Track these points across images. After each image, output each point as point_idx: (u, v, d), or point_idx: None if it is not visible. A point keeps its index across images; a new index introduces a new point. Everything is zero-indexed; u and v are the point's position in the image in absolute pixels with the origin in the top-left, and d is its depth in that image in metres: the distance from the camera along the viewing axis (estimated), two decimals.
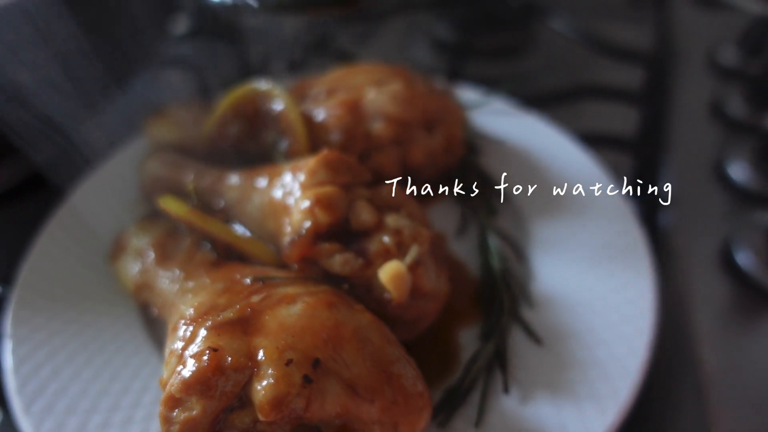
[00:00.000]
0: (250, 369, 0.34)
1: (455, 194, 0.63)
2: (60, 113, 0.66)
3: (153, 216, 0.54)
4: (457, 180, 0.63)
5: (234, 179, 0.52)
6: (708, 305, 0.68)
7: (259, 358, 0.34)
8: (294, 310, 0.37)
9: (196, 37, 1.07)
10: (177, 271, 0.47)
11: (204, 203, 0.52)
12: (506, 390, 0.44)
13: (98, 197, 0.60)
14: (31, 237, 0.56)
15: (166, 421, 0.34)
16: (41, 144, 0.70)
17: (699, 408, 0.58)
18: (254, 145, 0.58)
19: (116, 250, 0.52)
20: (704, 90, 1.05)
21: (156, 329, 0.50)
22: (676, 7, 1.28)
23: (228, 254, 0.48)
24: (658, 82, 0.98)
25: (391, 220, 0.45)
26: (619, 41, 1.07)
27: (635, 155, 0.78)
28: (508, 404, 0.43)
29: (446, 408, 0.43)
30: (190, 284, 0.44)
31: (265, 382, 0.33)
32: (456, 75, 0.89)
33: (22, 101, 0.63)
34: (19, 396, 0.43)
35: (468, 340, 0.50)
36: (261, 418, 0.33)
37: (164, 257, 0.48)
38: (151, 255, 0.49)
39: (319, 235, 0.44)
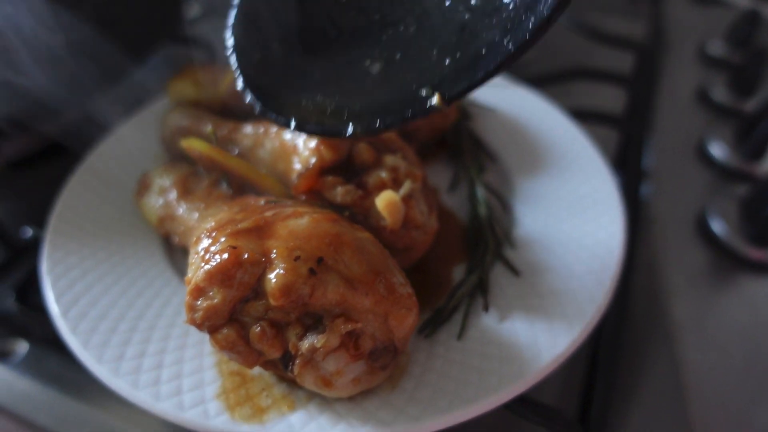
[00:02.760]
0: (263, 263, 0.39)
1: (448, 154, 0.69)
2: (84, 82, 0.72)
3: (174, 161, 0.60)
4: (450, 141, 0.69)
5: (248, 128, 0.58)
6: (682, 267, 0.74)
7: (272, 255, 0.40)
8: (302, 221, 0.42)
9: (209, 19, 1.14)
10: (198, 203, 0.53)
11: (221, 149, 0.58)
12: (486, 309, 0.50)
13: (123, 148, 0.67)
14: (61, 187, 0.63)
15: (191, 308, 0.40)
16: (65, 110, 0.76)
17: (669, 352, 0.64)
18: None
19: (141, 188, 0.58)
20: (692, 77, 1.11)
21: (176, 258, 0.57)
22: (670, 1, 1.34)
23: (243, 191, 0.54)
24: (648, 67, 1.03)
25: (389, 159, 0.51)
26: (614, 31, 1.12)
27: (621, 131, 0.84)
28: (488, 322, 0.49)
29: (432, 323, 0.49)
30: (210, 211, 0.50)
31: (276, 273, 0.39)
32: None
33: (49, 67, 0.69)
34: (64, 319, 0.49)
35: (456, 276, 0.56)
36: (272, 303, 0.38)
37: (186, 192, 0.54)
38: (174, 191, 0.55)
39: (324, 170, 0.49)
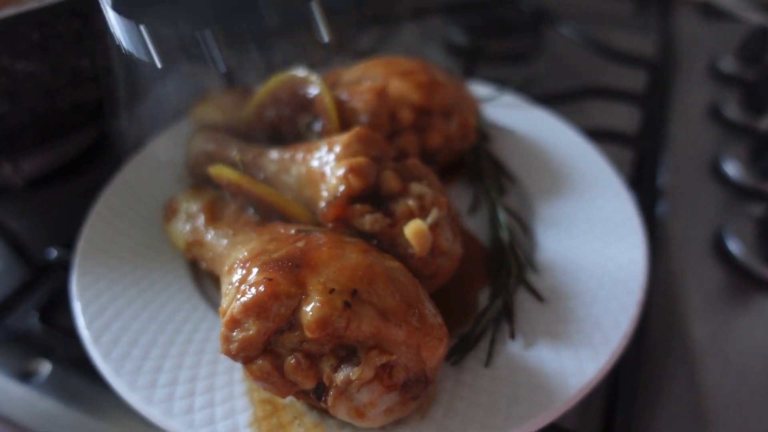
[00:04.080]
0: (299, 296, 0.40)
1: (468, 176, 0.70)
2: (115, 97, 0.73)
3: (200, 186, 0.61)
4: (469, 163, 0.70)
5: (274, 154, 0.59)
6: (699, 287, 0.74)
7: (307, 288, 0.40)
8: (334, 252, 0.43)
9: (226, 40, 1.15)
10: (226, 229, 0.53)
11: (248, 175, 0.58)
12: (512, 336, 0.50)
13: (148, 170, 0.67)
14: (88, 206, 0.63)
15: (226, 340, 0.41)
16: (97, 123, 0.77)
17: (688, 373, 0.64)
18: (289, 128, 0.65)
19: (168, 213, 0.59)
20: (704, 94, 1.11)
21: (203, 282, 0.57)
22: (680, 16, 1.35)
23: (269, 217, 0.55)
24: (660, 85, 1.04)
25: (415, 187, 0.52)
26: (625, 48, 1.13)
27: (636, 150, 0.84)
28: (514, 349, 0.50)
29: (459, 350, 0.50)
30: (239, 238, 0.51)
31: (312, 306, 0.39)
32: (469, 76, 0.96)
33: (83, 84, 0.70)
34: (96, 345, 0.49)
35: (480, 300, 0.56)
36: (308, 335, 0.39)
37: (213, 218, 0.55)
38: (201, 217, 0.56)
39: (351, 198, 0.50)
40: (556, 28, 1.19)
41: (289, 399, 0.46)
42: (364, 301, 0.40)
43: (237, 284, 0.42)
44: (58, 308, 0.61)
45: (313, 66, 0.97)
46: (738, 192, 0.88)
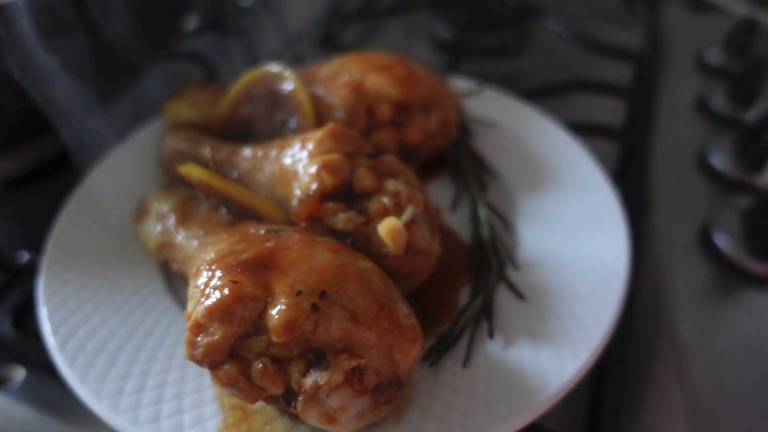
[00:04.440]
0: (265, 299, 0.39)
1: (450, 173, 0.69)
2: (81, 98, 0.71)
3: (172, 186, 0.59)
4: (450, 159, 0.69)
5: (247, 152, 0.57)
6: (686, 282, 0.74)
7: (274, 290, 0.39)
8: (303, 252, 0.42)
9: (207, 32, 1.13)
10: (197, 230, 0.52)
11: (220, 174, 0.57)
12: (491, 336, 0.49)
13: (120, 171, 0.66)
14: (58, 209, 0.62)
15: (191, 345, 0.39)
16: (65, 126, 0.76)
17: (674, 369, 0.63)
18: (265, 125, 0.64)
19: (139, 214, 0.58)
20: (691, 87, 1.10)
21: (175, 285, 0.56)
22: (666, 9, 1.34)
23: (242, 216, 0.53)
24: (647, 78, 1.03)
25: (390, 184, 0.50)
26: (612, 41, 1.12)
27: (622, 143, 0.83)
28: (493, 349, 0.48)
29: (437, 351, 0.48)
30: (209, 239, 0.50)
31: (278, 309, 0.38)
32: (454, 71, 0.94)
33: (48, 85, 0.68)
34: (61, 352, 0.48)
35: (461, 299, 0.55)
36: (274, 339, 0.38)
37: (184, 219, 0.54)
38: (172, 217, 0.54)
39: (324, 196, 0.49)
40: (543, 22, 1.17)
41: (260, 404, 0.44)
42: (333, 303, 0.39)
43: (202, 287, 0.40)
44: (31, 313, 0.59)
45: (296, 59, 0.96)
46: (724, 185, 0.87)
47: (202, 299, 0.39)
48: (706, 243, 0.77)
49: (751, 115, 0.98)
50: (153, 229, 0.55)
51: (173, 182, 0.61)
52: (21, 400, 0.56)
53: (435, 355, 0.48)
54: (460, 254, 0.60)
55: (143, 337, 0.49)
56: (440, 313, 0.54)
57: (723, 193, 0.86)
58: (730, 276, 0.73)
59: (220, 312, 0.38)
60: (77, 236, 0.58)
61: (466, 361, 0.47)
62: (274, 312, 0.38)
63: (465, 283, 0.57)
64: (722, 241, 0.75)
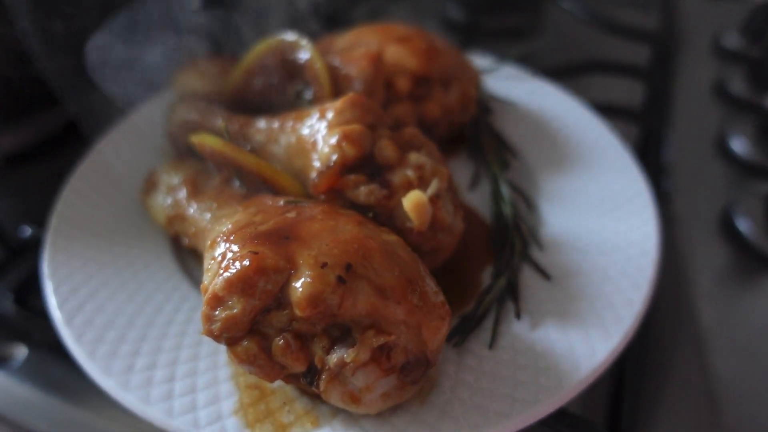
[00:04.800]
0: (288, 271, 0.36)
1: (468, 151, 0.66)
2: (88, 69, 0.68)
3: (182, 158, 0.57)
4: (469, 136, 0.66)
5: (261, 123, 0.55)
6: (707, 267, 0.72)
7: (297, 262, 0.37)
8: (327, 224, 0.39)
9: (213, 8, 1.09)
10: (209, 203, 0.49)
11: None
12: (518, 316, 0.47)
13: (127, 144, 0.63)
14: (61, 184, 0.59)
15: (208, 319, 0.37)
16: (72, 97, 0.73)
17: (696, 356, 0.61)
18: (279, 97, 0.61)
19: (148, 186, 0.55)
20: (708, 71, 1.08)
21: (185, 260, 0.53)
22: None
23: (257, 190, 0.51)
24: (664, 61, 1.00)
25: (414, 157, 0.48)
26: (628, 23, 1.09)
27: (640, 125, 0.81)
28: (519, 329, 0.46)
29: (461, 332, 0.46)
30: (223, 212, 0.47)
31: (302, 281, 0.36)
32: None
33: (55, 53, 0.65)
34: (68, 327, 0.45)
35: (483, 280, 0.53)
36: (298, 313, 0.36)
37: (196, 191, 0.51)
38: (183, 190, 0.52)
39: (345, 168, 0.46)
40: (557, 3, 1.14)
41: (278, 384, 0.42)
42: (359, 277, 0.36)
43: (219, 259, 0.38)
44: (33, 290, 0.57)
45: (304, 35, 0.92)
46: (745, 170, 0.85)
47: (221, 271, 0.37)
48: (727, 228, 0.75)
49: None
50: (163, 201, 0.53)
51: (181, 155, 0.58)
52: (23, 379, 0.54)
53: (459, 335, 0.46)
54: (481, 234, 0.58)
55: (153, 313, 0.47)
56: (462, 294, 0.52)
57: (743, 178, 0.84)
58: (752, 261, 0.71)
59: (241, 284, 0.36)
60: (83, 209, 0.56)
61: (492, 342, 0.45)
62: (297, 285, 0.36)
63: (487, 263, 0.55)
64: (744, 226, 0.73)
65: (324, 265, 0.36)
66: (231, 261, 0.37)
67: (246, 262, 0.36)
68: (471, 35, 1.06)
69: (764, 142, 0.86)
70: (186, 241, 0.51)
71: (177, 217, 0.51)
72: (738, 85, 1.00)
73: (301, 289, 0.35)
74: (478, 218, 0.60)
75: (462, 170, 0.66)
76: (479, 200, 0.62)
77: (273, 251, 0.37)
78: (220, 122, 0.55)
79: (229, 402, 0.41)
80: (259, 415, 0.40)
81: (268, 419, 0.40)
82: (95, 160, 0.61)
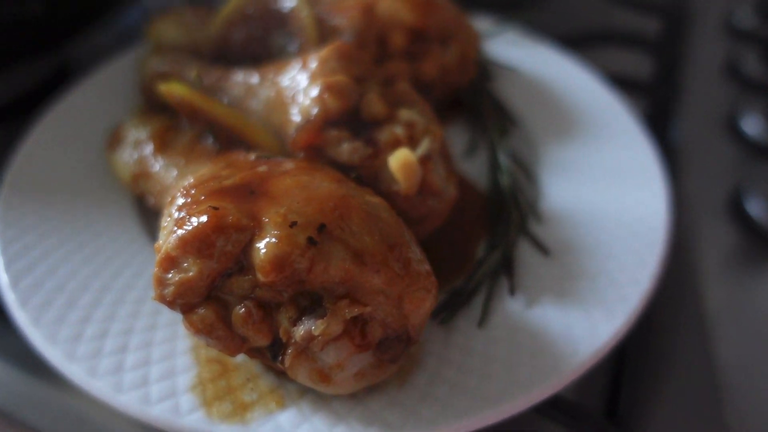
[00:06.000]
0: (251, 229, 0.32)
1: (466, 117, 0.62)
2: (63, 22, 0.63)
3: (153, 111, 0.52)
4: (467, 102, 0.61)
5: (239, 76, 0.50)
6: (714, 250, 0.68)
7: (263, 220, 0.32)
8: (301, 179, 0.35)
9: None
10: (177, 159, 0.45)
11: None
12: (512, 292, 0.43)
13: (98, 96, 0.58)
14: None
15: (161, 283, 0.33)
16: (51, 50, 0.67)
17: (702, 344, 0.58)
18: (262, 50, 0.56)
19: (113, 141, 0.50)
20: (719, 50, 1.03)
21: (151, 222, 0.49)
22: None
23: (231, 147, 0.46)
24: (675, 31, 0.95)
25: (404, 113, 0.43)
26: None
27: (649, 97, 0.76)
28: (513, 307, 0.42)
29: (449, 308, 0.42)
30: (191, 168, 0.43)
31: (266, 242, 0.31)
32: None
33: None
34: (13, 290, 0.41)
35: (477, 254, 0.49)
36: (261, 278, 0.31)
37: (164, 146, 0.46)
38: (150, 145, 0.47)
39: (327, 123, 0.42)
40: None
41: (242, 358, 0.38)
42: (333, 238, 0.32)
43: (176, 215, 0.34)
44: None
45: None
46: (756, 151, 0.81)
47: (176, 228, 0.32)
48: (736, 210, 0.71)
49: None
50: (128, 158, 0.48)
51: (153, 109, 0.53)
52: None
53: (447, 312, 0.42)
54: (476, 204, 0.54)
55: (111, 278, 0.43)
56: (454, 268, 0.48)
57: (754, 160, 0.80)
58: (761, 245, 0.67)
59: (197, 243, 0.32)
60: (42, 165, 0.51)
61: (483, 320, 0.41)
62: (261, 245, 0.31)
63: (482, 236, 0.50)
64: (753, 208, 0.69)
65: (293, 224, 0.32)
66: (188, 217, 0.32)
67: (204, 219, 0.32)
68: (471, 4, 1.00)
69: None
70: (152, 200, 0.46)
71: (142, 175, 0.46)
72: (750, 64, 0.95)
73: (264, 251, 0.31)
74: (474, 189, 0.56)
75: (459, 137, 0.61)
76: (476, 170, 0.57)
77: (236, 207, 0.32)
78: (194, 72, 0.50)
79: (186, 377, 0.37)
80: (219, 392, 0.36)
81: (228, 397, 0.36)
82: (60, 113, 0.56)
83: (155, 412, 0.34)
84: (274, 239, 0.31)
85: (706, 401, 0.53)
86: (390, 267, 0.33)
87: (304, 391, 0.36)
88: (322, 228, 0.32)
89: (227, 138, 0.46)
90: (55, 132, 0.54)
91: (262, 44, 0.55)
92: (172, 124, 0.49)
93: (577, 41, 0.86)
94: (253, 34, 0.56)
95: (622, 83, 0.77)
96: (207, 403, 0.35)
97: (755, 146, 0.81)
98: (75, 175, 0.51)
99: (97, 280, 0.42)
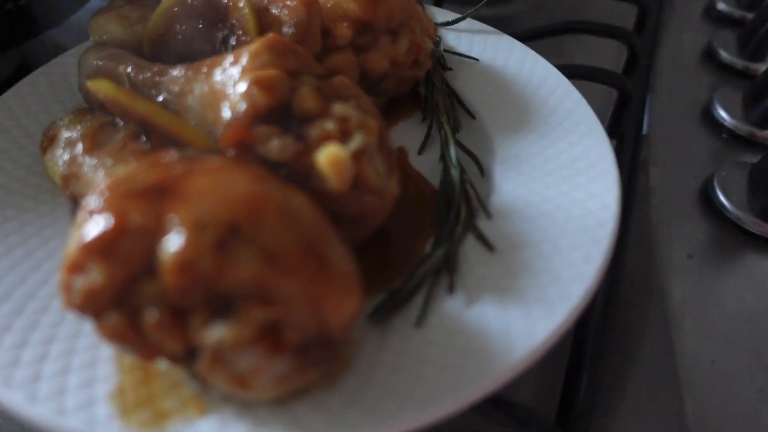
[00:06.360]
0: (159, 231, 0.30)
1: (422, 111, 0.60)
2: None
3: (89, 110, 0.50)
4: (423, 95, 0.60)
5: (176, 71, 0.48)
6: (682, 242, 0.66)
7: (171, 221, 0.31)
8: (217, 179, 0.33)
9: None
10: (105, 159, 0.43)
11: (144, 98, 0.48)
12: (451, 290, 0.41)
13: (37, 95, 0.56)
14: None
15: (67, 289, 0.31)
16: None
17: (665, 340, 0.57)
18: (205, 44, 0.54)
19: (46, 141, 0.49)
20: (698, 36, 1.01)
21: None
22: None
23: (163, 145, 0.45)
24: (651, 20, 0.93)
25: (338, 108, 0.41)
26: None
27: (618, 87, 0.74)
28: (453, 306, 0.41)
29: (386, 307, 0.41)
30: (117, 169, 0.41)
31: (173, 245, 0.30)
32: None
33: None
34: None
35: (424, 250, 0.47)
36: (168, 282, 0.30)
37: (94, 146, 0.45)
38: (80, 145, 0.45)
39: (257, 118, 0.40)
40: None
41: (166, 365, 0.37)
42: (244, 240, 0.31)
43: (82, 218, 0.32)
44: None
45: None
46: (730, 140, 0.79)
47: (81, 232, 0.31)
48: (706, 201, 0.70)
49: (763, 68, 0.89)
50: (59, 158, 0.46)
51: (88, 108, 0.52)
52: None
53: (383, 312, 0.40)
54: (429, 202, 0.52)
55: (37, 285, 0.41)
56: (402, 268, 0.46)
57: (728, 149, 0.79)
58: (731, 237, 0.66)
59: (101, 247, 0.30)
60: None
61: (420, 320, 0.40)
62: (167, 248, 0.30)
63: (431, 233, 0.49)
64: (724, 199, 0.68)
65: (202, 226, 0.30)
66: (93, 220, 0.31)
67: (109, 221, 0.30)
68: None
69: (752, 112, 0.80)
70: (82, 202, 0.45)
71: (72, 176, 0.45)
72: (729, 50, 0.93)
73: (170, 254, 0.30)
74: (426, 186, 0.54)
75: (416, 132, 0.59)
76: (433, 165, 0.56)
77: (142, 209, 0.31)
78: (129, 69, 0.49)
79: (105, 385, 0.35)
80: (139, 401, 0.35)
81: (148, 405, 0.34)
82: None
83: (68, 424, 0.33)
84: (180, 241, 0.30)
85: (667, 397, 0.52)
86: (305, 268, 0.31)
87: (229, 398, 0.35)
88: (232, 229, 0.31)
89: (161, 137, 0.45)
90: None
91: (205, 39, 0.54)
92: (107, 122, 0.48)
93: (553, 32, 0.85)
94: (195, 28, 0.54)
95: (592, 73, 0.75)
96: (125, 411, 0.34)
97: (729, 135, 0.80)
98: (8, 178, 0.49)
99: (21, 288, 0.41)
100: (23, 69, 0.81)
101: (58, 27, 0.75)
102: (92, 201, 0.33)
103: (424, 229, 0.50)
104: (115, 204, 0.31)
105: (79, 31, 0.79)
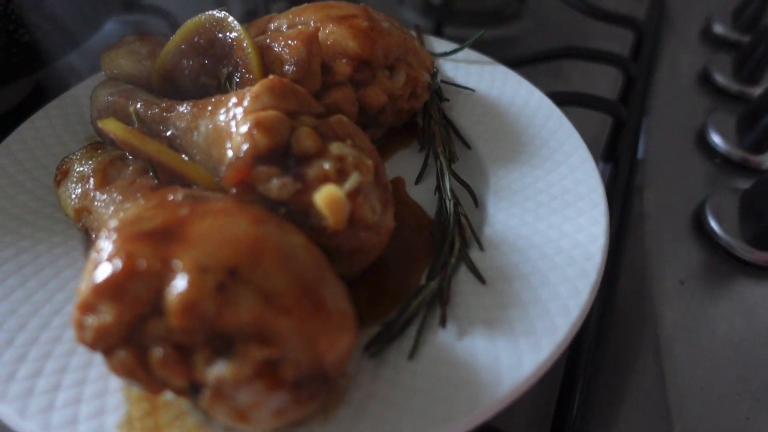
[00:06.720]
0: (164, 274, 0.33)
1: (420, 142, 0.62)
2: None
3: (100, 144, 0.53)
4: (420, 126, 0.62)
5: (183, 108, 0.51)
6: (675, 268, 0.68)
7: (175, 265, 0.33)
8: (219, 222, 0.35)
9: None
10: (115, 195, 0.46)
11: (152, 133, 0.50)
12: (443, 323, 0.43)
13: (49, 129, 0.59)
14: None
15: (80, 326, 0.34)
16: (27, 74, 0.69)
17: (656, 365, 0.58)
18: (211, 80, 0.57)
19: (60, 175, 0.51)
20: (695, 59, 1.03)
21: None
22: None
23: (170, 181, 0.47)
24: (648, 46, 0.95)
25: (335, 147, 0.44)
26: (615, 8, 1.04)
27: (613, 114, 0.76)
28: (444, 338, 0.43)
29: (381, 340, 0.43)
30: (126, 205, 0.43)
31: (178, 287, 0.32)
32: (439, 36, 0.87)
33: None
34: None
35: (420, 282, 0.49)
36: (173, 323, 0.32)
37: (104, 182, 0.47)
38: (92, 180, 0.48)
39: (258, 159, 0.42)
40: None
41: (171, 396, 0.39)
42: (244, 282, 0.33)
43: (95, 259, 0.34)
44: None
45: (249, 14, 0.88)
46: (724, 165, 0.81)
47: (92, 273, 0.33)
48: (699, 226, 0.71)
49: (757, 91, 0.91)
50: (72, 192, 0.49)
51: (101, 142, 0.54)
52: None
53: (378, 344, 0.42)
54: (425, 233, 0.54)
55: (50, 315, 0.43)
56: (397, 299, 0.48)
57: (722, 174, 0.80)
58: (722, 263, 0.67)
59: (111, 289, 0.32)
60: None
61: (413, 352, 0.41)
62: (172, 290, 0.32)
63: (427, 265, 0.51)
64: (715, 225, 0.69)
65: (204, 269, 0.32)
66: (103, 262, 0.33)
67: (118, 265, 0.33)
68: (443, 17, 1.01)
69: (746, 137, 0.81)
70: (93, 236, 0.47)
71: (83, 210, 0.47)
72: (724, 74, 0.95)
73: (175, 296, 0.32)
74: (423, 217, 0.56)
75: (412, 162, 0.61)
76: (428, 197, 0.58)
77: (149, 252, 0.33)
78: (138, 106, 0.51)
79: (115, 415, 0.37)
80: (147, 430, 0.37)
81: None
82: (10, 147, 0.57)
83: None
84: (184, 284, 0.32)
85: (657, 426, 0.53)
86: (301, 308, 0.33)
87: (230, 429, 0.37)
88: (233, 271, 0.33)
89: (167, 173, 0.47)
90: (5, 166, 0.55)
91: (211, 75, 0.56)
92: (118, 156, 0.50)
93: (546, 57, 0.87)
94: (201, 64, 0.56)
95: (588, 100, 0.77)
96: None
97: (723, 160, 0.81)
98: (24, 210, 0.52)
99: (35, 318, 0.43)
100: (37, 93, 0.84)
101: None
102: (102, 243, 0.35)
103: (419, 260, 0.52)
104: (123, 248, 0.34)
105: (91, 56, 0.83)
